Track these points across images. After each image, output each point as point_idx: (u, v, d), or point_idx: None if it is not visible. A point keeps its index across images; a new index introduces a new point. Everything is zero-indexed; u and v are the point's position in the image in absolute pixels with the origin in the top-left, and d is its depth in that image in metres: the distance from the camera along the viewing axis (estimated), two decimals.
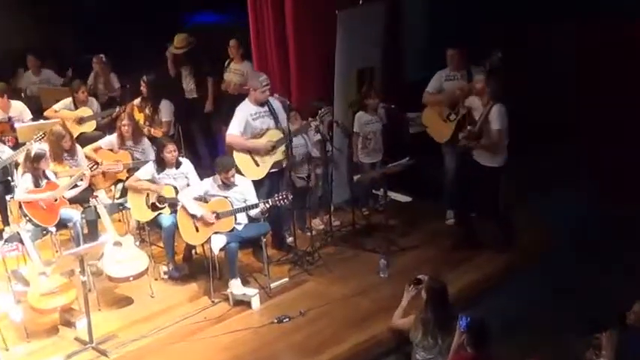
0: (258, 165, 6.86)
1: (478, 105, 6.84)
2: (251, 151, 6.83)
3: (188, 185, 6.81)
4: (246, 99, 6.92)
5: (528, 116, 7.35)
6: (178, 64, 8.96)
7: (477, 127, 6.71)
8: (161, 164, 6.86)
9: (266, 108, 6.85)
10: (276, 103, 6.94)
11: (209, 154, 9.13)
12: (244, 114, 6.82)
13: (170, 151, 6.79)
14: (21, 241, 6.28)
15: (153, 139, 7.74)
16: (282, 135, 6.83)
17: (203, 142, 9.22)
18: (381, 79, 8.13)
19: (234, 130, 6.82)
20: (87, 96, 8.53)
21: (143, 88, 8.29)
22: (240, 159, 6.81)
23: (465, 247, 7.02)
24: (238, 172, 6.69)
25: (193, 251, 7.09)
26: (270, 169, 6.90)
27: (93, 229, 7.03)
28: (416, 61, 8.61)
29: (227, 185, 6.54)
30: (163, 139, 7.11)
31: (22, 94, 9.27)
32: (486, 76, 6.79)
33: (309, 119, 7.03)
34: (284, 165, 6.97)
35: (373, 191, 7.77)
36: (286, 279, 6.75)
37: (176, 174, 6.89)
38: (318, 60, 7.90)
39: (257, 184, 6.79)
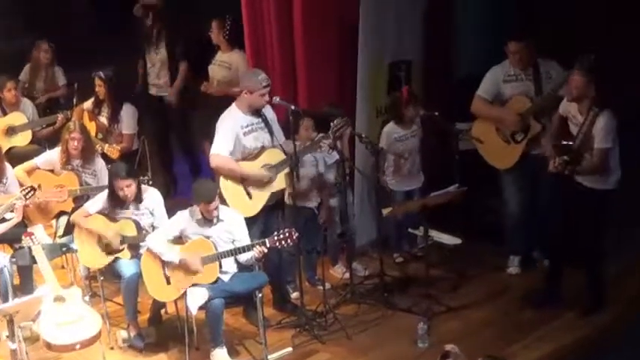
0: (250, 198, 6.93)
1: (575, 112, 6.75)
2: (244, 180, 6.90)
3: (153, 227, 6.86)
4: (233, 105, 6.94)
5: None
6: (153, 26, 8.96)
7: (576, 143, 6.59)
8: (115, 199, 6.88)
9: (259, 119, 6.92)
10: (269, 112, 6.99)
11: (191, 175, 9.23)
12: (233, 126, 6.82)
13: (122, 188, 6.76)
14: None
15: (107, 158, 7.86)
16: (282, 155, 6.91)
17: (182, 160, 9.26)
18: (421, 76, 8.23)
19: (220, 149, 6.81)
20: (18, 96, 8.58)
21: (99, 88, 8.25)
22: (228, 188, 6.87)
23: (540, 305, 7.14)
24: (224, 203, 6.77)
25: (163, 310, 7.19)
26: (267, 202, 6.97)
27: (26, 279, 7.11)
28: (469, 52, 8.69)
29: (209, 220, 6.61)
30: (116, 170, 6.89)
31: None
32: (585, 69, 6.61)
33: (320, 135, 7.05)
34: (286, 195, 7.10)
35: (409, 230, 7.81)
36: (289, 349, 6.83)
37: (138, 210, 6.94)
38: (334, 49, 7.99)
39: (249, 220, 6.84)
